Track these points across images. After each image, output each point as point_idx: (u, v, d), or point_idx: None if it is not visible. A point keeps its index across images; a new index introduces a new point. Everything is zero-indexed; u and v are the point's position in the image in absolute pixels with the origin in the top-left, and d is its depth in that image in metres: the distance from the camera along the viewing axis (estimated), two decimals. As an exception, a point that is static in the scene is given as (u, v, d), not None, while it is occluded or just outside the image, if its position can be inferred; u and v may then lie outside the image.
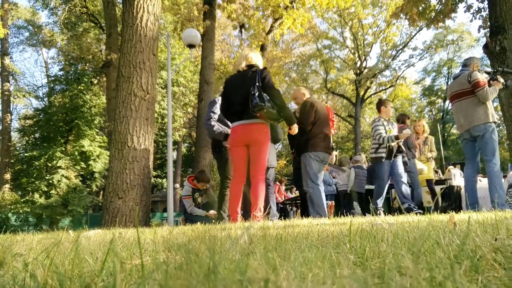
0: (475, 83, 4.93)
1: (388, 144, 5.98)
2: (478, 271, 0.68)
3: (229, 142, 4.46)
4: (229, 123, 4.65)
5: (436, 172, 9.81)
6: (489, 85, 4.95)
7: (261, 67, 4.34)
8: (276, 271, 0.66)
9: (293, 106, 6.75)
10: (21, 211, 17.40)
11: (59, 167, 17.68)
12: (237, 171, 4.35)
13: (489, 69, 5.37)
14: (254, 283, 0.52)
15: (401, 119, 7.59)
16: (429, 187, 7.88)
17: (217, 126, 5.17)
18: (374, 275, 0.67)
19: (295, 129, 4.35)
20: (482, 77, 4.97)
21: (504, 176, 7.33)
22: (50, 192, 17.38)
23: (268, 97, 4.00)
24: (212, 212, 6.35)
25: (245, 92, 4.10)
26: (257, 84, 4.04)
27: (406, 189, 6.07)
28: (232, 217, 4.11)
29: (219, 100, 5.18)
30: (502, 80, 5.08)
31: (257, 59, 4.39)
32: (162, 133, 26.65)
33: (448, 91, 5.56)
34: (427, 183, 7.87)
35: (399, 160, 6.19)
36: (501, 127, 34.73)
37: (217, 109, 5.23)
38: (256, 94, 3.97)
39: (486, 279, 0.65)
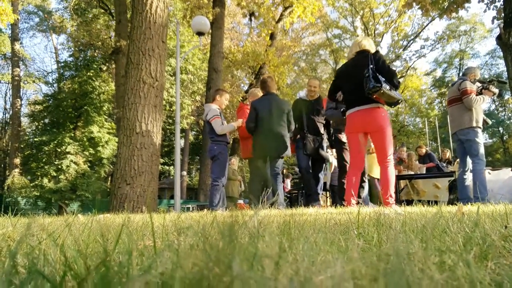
0: (463, 91, 5.42)
1: None
2: (487, 258, 0.69)
3: (346, 130, 4.51)
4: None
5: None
6: (481, 94, 5.42)
7: (372, 51, 4.24)
8: (286, 254, 0.67)
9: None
10: (30, 195, 17.65)
11: (68, 152, 17.85)
12: (353, 157, 4.42)
13: (496, 79, 5.77)
14: (268, 259, 0.53)
15: None
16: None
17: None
18: (382, 260, 0.67)
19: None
20: (471, 86, 5.39)
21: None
22: (59, 177, 17.57)
23: (384, 79, 3.93)
24: (239, 121, 5.82)
25: (357, 79, 4.07)
26: (371, 66, 3.97)
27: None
28: (347, 203, 4.20)
29: None
30: (495, 90, 5.46)
31: (370, 45, 4.31)
32: (170, 120, 26.72)
33: (447, 97, 6.07)
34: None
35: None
36: (511, 120, 34.40)
37: None
38: (371, 76, 3.89)
39: (495, 265, 0.65)
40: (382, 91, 3.85)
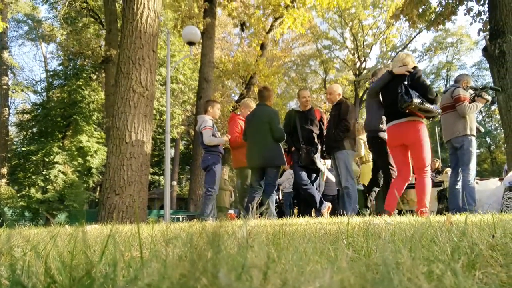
0: (456, 98, 5.35)
1: None
2: (475, 267, 0.69)
3: (388, 144, 4.74)
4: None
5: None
6: (474, 101, 5.35)
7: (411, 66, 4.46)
8: (274, 264, 0.67)
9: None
10: (17, 205, 17.34)
11: (56, 162, 17.63)
12: (399, 170, 4.61)
13: (485, 86, 5.72)
14: (256, 269, 0.53)
15: None
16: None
17: None
18: (371, 270, 0.67)
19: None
20: (464, 93, 5.34)
21: (501, 180, 7.35)
22: (47, 187, 17.32)
23: (417, 93, 4.14)
24: (226, 137, 5.85)
25: (394, 94, 4.29)
26: (405, 82, 4.21)
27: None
28: (390, 211, 4.24)
29: None
30: (488, 97, 5.42)
31: (412, 62, 4.52)
32: (160, 130, 26.62)
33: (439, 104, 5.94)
34: None
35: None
36: (498, 131, 34.89)
37: None
38: (403, 91, 4.14)
39: (483, 275, 0.65)
40: (413, 106, 4.08)
